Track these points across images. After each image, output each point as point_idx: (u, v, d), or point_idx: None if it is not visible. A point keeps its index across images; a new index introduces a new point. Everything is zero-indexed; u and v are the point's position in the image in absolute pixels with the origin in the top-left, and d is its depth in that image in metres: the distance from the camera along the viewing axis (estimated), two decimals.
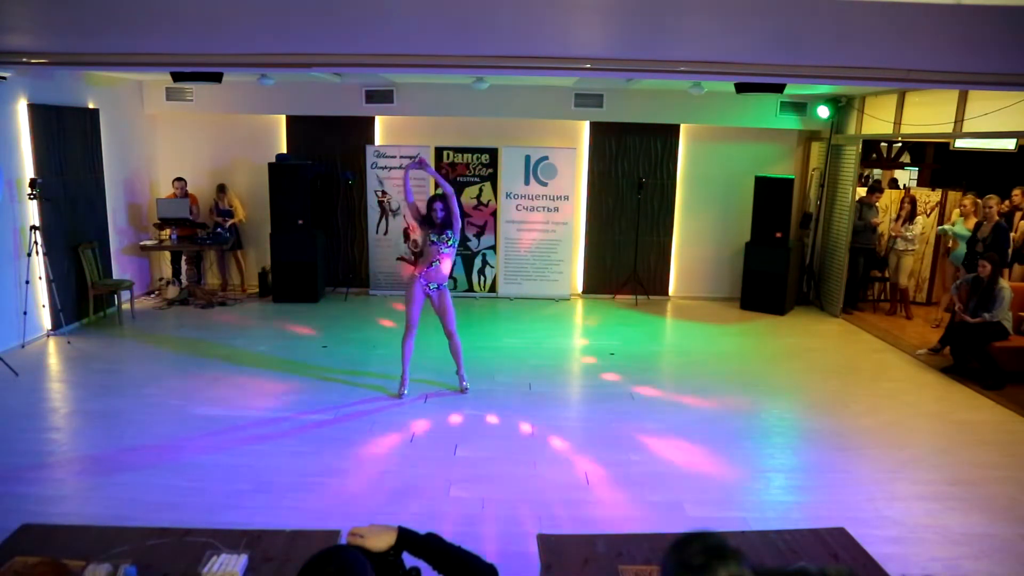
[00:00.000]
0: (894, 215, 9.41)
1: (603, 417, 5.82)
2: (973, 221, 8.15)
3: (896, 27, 3.63)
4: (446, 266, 5.92)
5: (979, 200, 8.36)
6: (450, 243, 5.85)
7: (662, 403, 6.17)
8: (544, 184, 9.67)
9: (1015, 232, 8.31)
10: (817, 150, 10.00)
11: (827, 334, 8.62)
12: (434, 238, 5.83)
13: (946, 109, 7.42)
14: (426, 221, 5.91)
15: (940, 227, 9.43)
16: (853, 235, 9.20)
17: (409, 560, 1.91)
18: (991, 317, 6.75)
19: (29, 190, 7.26)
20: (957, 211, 8.74)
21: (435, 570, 1.88)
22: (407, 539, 1.89)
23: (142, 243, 9.25)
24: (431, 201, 5.87)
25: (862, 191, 9.51)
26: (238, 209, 9.70)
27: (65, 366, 6.89)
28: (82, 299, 8.10)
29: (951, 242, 8.76)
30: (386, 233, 9.77)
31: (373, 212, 9.78)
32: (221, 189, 9.56)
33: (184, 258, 9.56)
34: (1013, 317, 7.12)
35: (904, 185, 12.33)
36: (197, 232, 9.20)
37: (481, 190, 9.76)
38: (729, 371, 7.07)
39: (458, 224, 5.88)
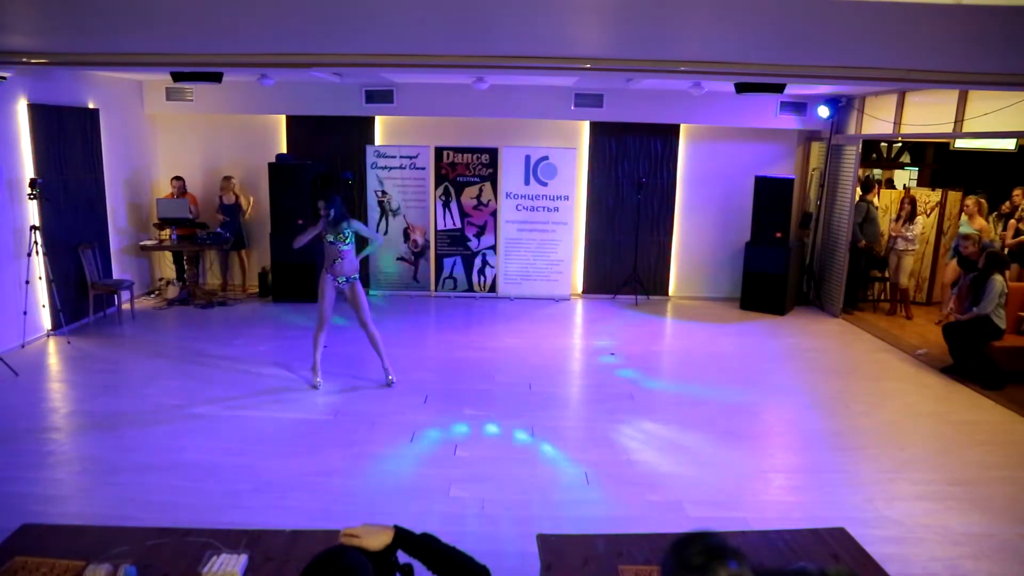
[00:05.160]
0: (894, 215, 9.41)
1: (603, 417, 5.82)
2: (979, 221, 8.12)
3: (896, 27, 3.63)
4: (349, 261, 6.15)
5: (982, 200, 8.35)
6: (347, 241, 6.09)
7: (662, 403, 6.17)
8: (544, 184, 9.67)
9: (1007, 231, 8.31)
10: (817, 150, 10.00)
11: (827, 334, 8.62)
12: (330, 238, 6.07)
13: (946, 109, 7.42)
14: (315, 220, 6.15)
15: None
16: (862, 234, 9.19)
17: (402, 558, 1.91)
18: (979, 310, 6.72)
19: (29, 190, 7.26)
20: (965, 216, 8.69)
21: (429, 569, 1.88)
22: (403, 538, 1.89)
23: (142, 243, 9.25)
24: (315, 201, 6.17)
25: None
26: (245, 202, 9.69)
27: (65, 366, 6.89)
28: (82, 299, 8.10)
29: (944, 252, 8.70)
30: (386, 233, 9.77)
31: (373, 212, 9.78)
32: (226, 180, 9.55)
33: (184, 258, 9.56)
34: (1012, 317, 7.11)
35: (904, 185, 12.33)
36: (197, 232, 9.20)
37: (481, 190, 9.76)
38: (729, 371, 7.07)
39: (351, 220, 6.13)
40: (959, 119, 7.26)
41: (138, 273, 9.50)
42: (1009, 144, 10.77)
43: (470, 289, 9.99)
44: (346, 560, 1.64)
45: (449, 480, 4.65)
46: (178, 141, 9.95)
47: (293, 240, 6.20)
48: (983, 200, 8.36)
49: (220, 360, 7.00)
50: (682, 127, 9.84)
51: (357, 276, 6.22)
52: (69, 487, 4.50)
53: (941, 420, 5.98)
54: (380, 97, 9.39)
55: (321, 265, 6.26)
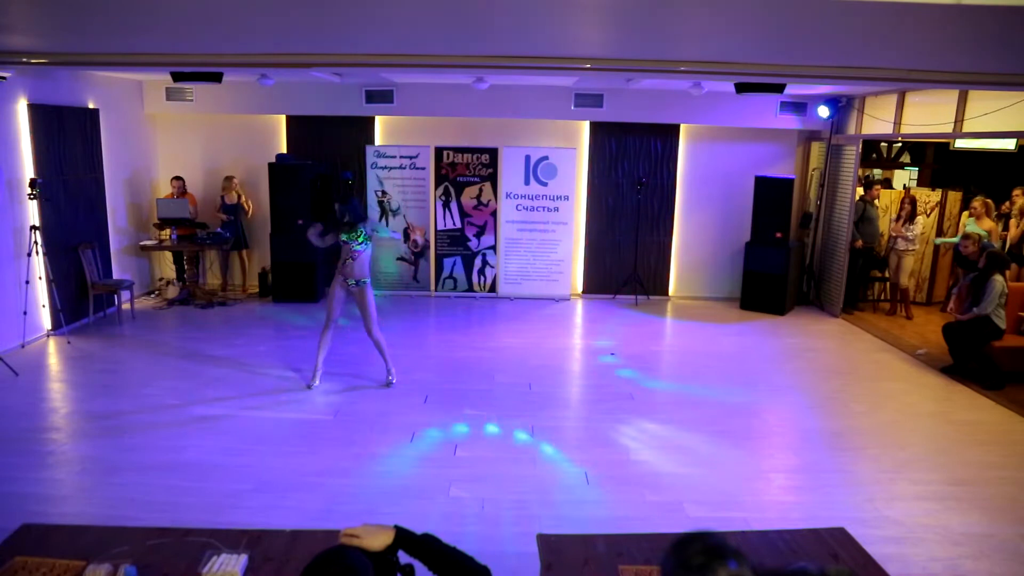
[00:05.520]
0: (894, 215, 9.41)
1: (603, 417, 5.82)
2: (987, 223, 8.12)
3: (896, 27, 3.63)
4: (361, 263, 6.09)
5: (988, 200, 8.35)
6: (360, 240, 6.03)
7: (662, 403, 6.17)
8: (544, 184, 9.67)
9: (1010, 230, 8.31)
10: (817, 150, 10.00)
11: (827, 334, 8.62)
12: (344, 238, 6.03)
13: (946, 109, 7.42)
14: (333, 223, 6.13)
15: (937, 239, 9.43)
16: (858, 234, 9.19)
17: (403, 558, 1.91)
18: (979, 311, 6.72)
19: (29, 190, 7.26)
20: (966, 214, 8.69)
21: (430, 570, 1.88)
22: (404, 539, 1.89)
23: (142, 243, 9.25)
24: (337, 207, 6.17)
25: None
26: (246, 205, 9.69)
27: (65, 366, 6.89)
28: (82, 299, 8.10)
29: (945, 252, 8.81)
30: None
31: (373, 212, 9.77)
32: (227, 179, 9.54)
33: (184, 258, 9.56)
34: (1012, 317, 7.11)
35: (904, 185, 12.33)
36: (197, 232, 9.20)
37: (481, 190, 9.76)
38: (729, 371, 7.07)
39: (368, 222, 6.14)
40: (959, 119, 7.26)
41: (138, 273, 9.50)
42: (1009, 144, 10.75)
43: (470, 289, 9.99)
44: (346, 560, 1.64)
45: (449, 480, 4.65)
46: (178, 141, 9.96)
47: (308, 234, 6.18)
48: (990, 201, 8.37)
49: (220, 360, 7.00)
50: (682, 127, 9.84)
51: (367, 280, 6.18)
52: (69, 487, 4.50)
53: (941, 420, 5.98)
54: (380, 97, 9.39)
55: (323, 264, 6.28)
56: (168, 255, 9.82)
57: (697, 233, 10.16)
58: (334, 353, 7.23)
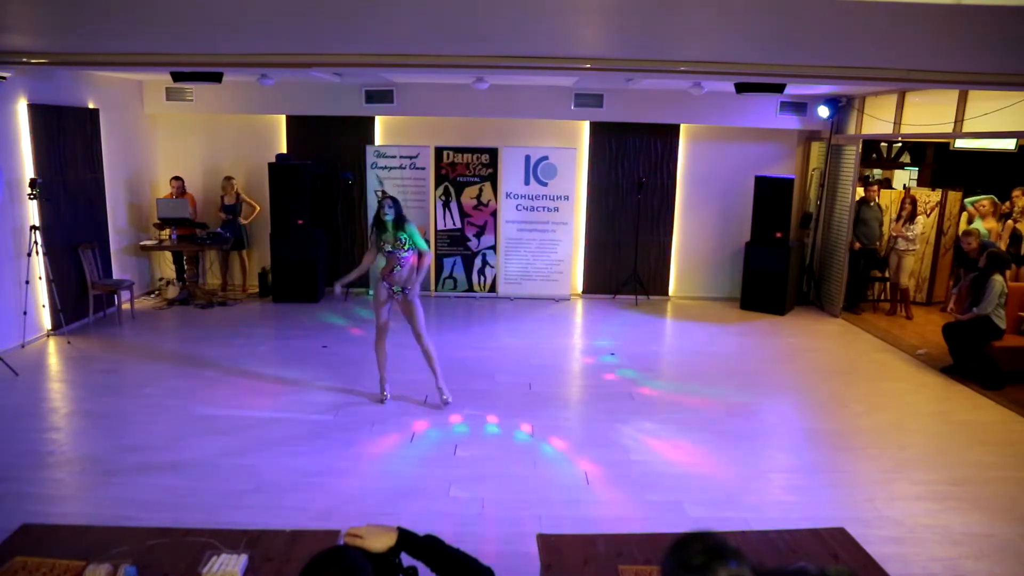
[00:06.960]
0: (894, 215, 9.41)
1: (603, 417, 5.82)
2: (990, 222, 8.12)
3: (896, 27, 3.64)
4: (408, 270, 5.73)
5: (997, 201, 8.35)
6: (407, 247, 5.68)
7: (662, 403, 6.17)
8: (544, 184, 9.67)
9: (1004, 231, 8.31)
10: (817, 150, 10.00)
11: (827, 334, 8.62)
12: (388, 248, 5.68)
13: (946, 109, 7.42)
14: (379, 226, 5.74)
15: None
16: (853, 235, 9.18)
17: (406, 560, 1.91)
18: (979, 311, 6.72)
19: (29, 190, 7.26)
20: (965, 214, 8.65)
21: (433, 572, 1.88)
22: (407, 540, 1.88)
23: (142, 243, 9.25)
24: (381, 200, 5.77)
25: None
26: (249, 209, 9.68)
27: (65, 366, 6.89)
28: (82, 299, 8.10)
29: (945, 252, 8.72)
30: None
31: (373, 212, 9.76)
32: (227, 180, 9.54)
33: (184, 258, 9.55)
34: (1012, 317, 7.11)
35: (904, 185, 12.32)
36: (197, 232, 9.20)
37: (481, 190, 9.76)
38: (729, 371, 7.07)
39: (409, 224, 5.75)
40: (959, 119, 7.26)
41: (138, 273, 9.50)
42: (1009, 144, 10.75)
43: (470, 289, 9.99)
44: (345, 561, 1.64)
45: (449, 480, 4.65)
46: (178, 141, 9.95)
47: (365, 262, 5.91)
48: (997, 201, 8.37)
49: (220, 360, 7.00)
50: (682, 127, 9.84)
51: (411, 287, 5.76)
52: (69, 487, 4.50)
53: (941, 420, 5.98)
54: (380, 97, 9.39)
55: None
56: (168, 255, 9.82)
57: (697, 233, 10.16)
58: (335, 354, 7.24)
